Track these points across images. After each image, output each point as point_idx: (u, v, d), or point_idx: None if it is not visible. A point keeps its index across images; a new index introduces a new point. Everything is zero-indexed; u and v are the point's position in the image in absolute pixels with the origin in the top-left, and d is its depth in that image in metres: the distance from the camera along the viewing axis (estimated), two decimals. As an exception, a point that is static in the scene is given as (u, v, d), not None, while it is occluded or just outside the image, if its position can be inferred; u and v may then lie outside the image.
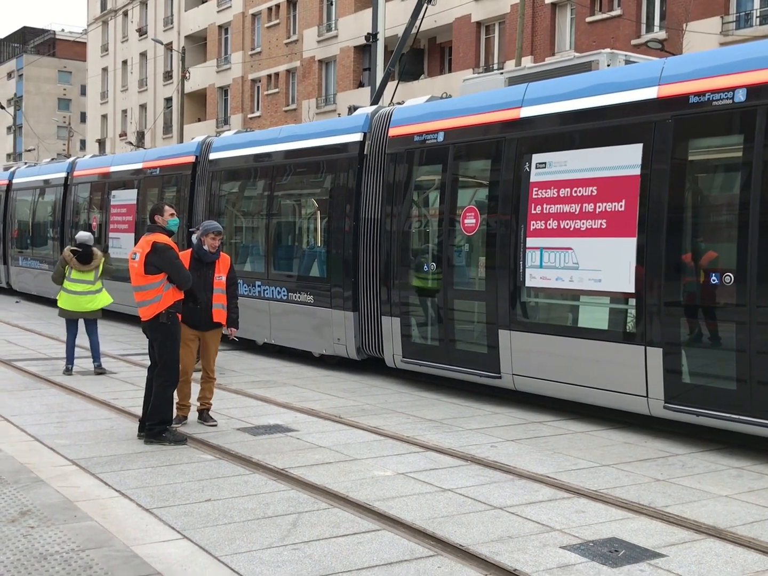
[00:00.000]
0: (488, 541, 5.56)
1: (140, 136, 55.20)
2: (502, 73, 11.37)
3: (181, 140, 42.79)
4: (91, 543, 5.35)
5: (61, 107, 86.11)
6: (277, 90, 43.62)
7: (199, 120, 50.22)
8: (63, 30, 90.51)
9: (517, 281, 9.75)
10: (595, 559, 5.27)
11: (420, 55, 36.09)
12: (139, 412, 8.51)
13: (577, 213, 9.10)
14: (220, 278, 8.95)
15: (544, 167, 9.48)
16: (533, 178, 9.58)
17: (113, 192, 19.18)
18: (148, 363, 8.57)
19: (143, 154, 20.37)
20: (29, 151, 74.73)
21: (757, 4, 24.27)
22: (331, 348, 12.70)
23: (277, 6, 43.53)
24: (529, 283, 9.67)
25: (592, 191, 8.97)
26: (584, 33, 28.35)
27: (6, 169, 27.63)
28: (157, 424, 8.13)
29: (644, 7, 27.16)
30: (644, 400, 8.52)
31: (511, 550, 5.41)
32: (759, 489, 6.84)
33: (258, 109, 45.25)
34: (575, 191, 9.13)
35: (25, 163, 27.94)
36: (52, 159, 27.54)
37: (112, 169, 19.66)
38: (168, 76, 53.52)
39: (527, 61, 28.59)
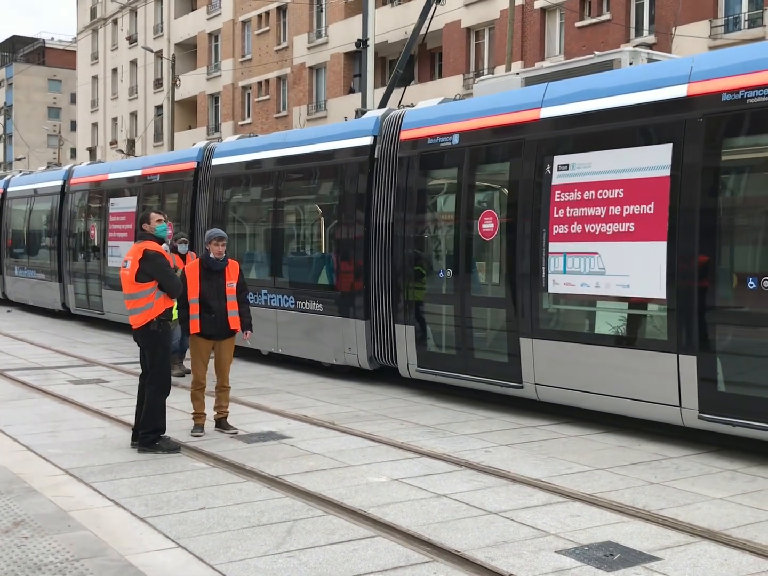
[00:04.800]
0: (484, 546, 5.56)
1: (131, 144, 55.12)
2: (518, 74, 11.03)
3: (171, 148, 42.72)
4: (85, 553, 5.33)
5: (51, 116, 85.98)
6: (267, 97, 43.62)
7: (190, 127, 50.16)
8: (52, 39, 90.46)
9: (539, 287, 9.39)
10: (590, 563, 5.26)
11: (410, 61, 36.12)
12: (132, 420, 8.49)
13: (603, 216, 8.77)
14: (232, 285, 8.94)
15: (567, 169, 9.15)
16: (555, 181, 9.24)
17: (112, 200, 18.84)
18: (140, 371, 8.55)
19: (143, 160, 19.97)
20: (19, 159, 74.58)
21: (745, 7, 24.40)
22: (341, 357, 12.35)
23: (267, 13, 43.56)
24: (552, 289, 9.30)
25: (618, 193, 8.64)
26: (574, 38, 28.44)
27: (0, 177, 27.31)
28: (151, 432, 8.10)
29: (633, 12, 27.27)
30: (677, 410, 8.19)
31: (506, 555, 5.41)
32: (753, 491, 6.85)
33: (249, 116, 45.24)
34: (601, 194, 8.80)
35: (20, 172, 27.52)
36: (48, 167, 27.19)
37: (111, 176, 19.31)
38: (158, 83, 53.47)
39: (517, 67, 28.66)
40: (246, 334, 9.17)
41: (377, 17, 25.41)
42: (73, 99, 76.26)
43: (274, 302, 13.54)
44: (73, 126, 76.27)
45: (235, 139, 16.05)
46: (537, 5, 29.61)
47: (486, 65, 32.18)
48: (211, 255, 8.89)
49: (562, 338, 9.33)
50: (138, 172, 18.25)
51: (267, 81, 43.70)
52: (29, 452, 8.01)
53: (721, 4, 24.78)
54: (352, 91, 37.56)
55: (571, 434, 8.93)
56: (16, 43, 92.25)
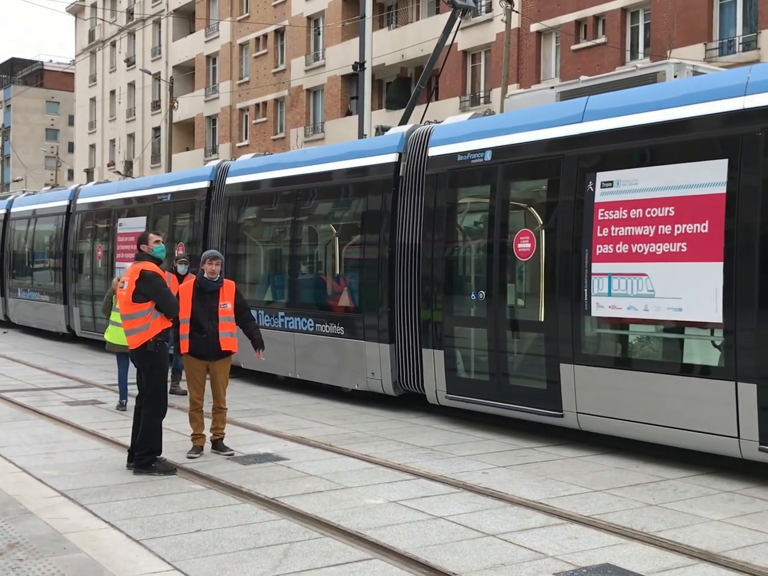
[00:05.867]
0: (481, 568, 5.52)
1: (128, 165, 55.22)
2: (552, 88, 10.66)
3: (169, 169, 42.80)
4: (80, 575, 5.29)
5: (49, 137, 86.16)
6: (265, 119, 43.79)
7: (188, 149, 50.29)
8: (51, 61, 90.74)
9: (581, 310, 8.91)
10: (588, 586, 5.24)
11: (407, 83, 36.35)
12: (128, 442, 8.45)
13: (651, 236, 8.33)
14: (225, 306, 8.87)
15: (611, 186, 8.73)
16: (598, 198, 8.83)
17: (120, 220, 18.36)
18: (136, 392, 8.52)
19: (153, 179, 19.50)
20: (17, 181, 74.68)
21: (739, 30, 24.59)
22: (364, 383, 11.89)
23: (265, 36, 43.80)
24: (595, 312, 8.82)
25: (668, 212, 8.22)
26: (569, 60, 28.62)
27: (3, 198, 26.97)
28: (146, 454, 8.07)
29: (628, 35, 27.47)
30: (735, 442, 7.75)
31: (504, 577, 5.38)
32: (751, 513, 6.83)
33: (246, 138, 45.38)
34: (649, 212, 8.37)
35: (24, 192, 27.11)
36: (53, 187, 26.87)
37: (120, 196, 18.85)
38: (156, 105, 53.64)
39: (513, 89, 28.82)
40: (258, 353, 9.15)
41: (374, 40, 25.58)
42: (71, 121, 76.48)
43: (291, 325, 13.07)
44: (71, 147, 76.44)
45: (250, 158, 15.57)
46: (533, 28, 29.81)
47: (482, 88, 32.36)
48: (205, 275, 8.90)
49: (608, 364, 8.86)
50: (148, 192, 17.83)
51: (264, 103, 43.87)
52: (24, 474, 7.96)
53: (715, 27, 24.99)
54: (349, 113, 37.74)
55: (568, 456, 8.91)
56: (14, 65, 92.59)
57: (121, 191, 19.14)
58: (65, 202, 21.20)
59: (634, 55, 27.10)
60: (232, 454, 8.79)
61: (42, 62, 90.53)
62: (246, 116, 45.73)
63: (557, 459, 8.77)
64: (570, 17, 28.67)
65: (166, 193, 17.11)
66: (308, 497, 7.20)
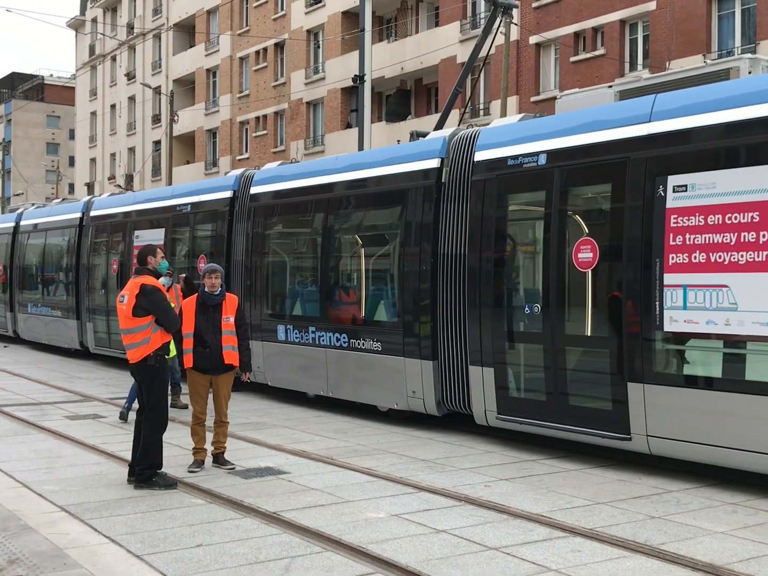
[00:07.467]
0: (484, 582, 5.50)
1: (129, 179, 55.30)
2: (610, 86, 10.07)
3: (169, 183, 42.84)
4: (80, 591, 5.27)
5: (50, 151, 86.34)
6: (265, 132, 43.88)
7: (188, 162, 50.36)
8: (51, 75, 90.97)
9: (652, 325, 8.32)
10: (592, 600, 5.21)
11: (407, 96, 36.44)
12: (129, 456, 8.43)
13: (733, 244, 7.74)
14: (228, 320, 8.86)
15: (685, 191, 8.13)
16: (670, 204, 8.22)
17: (137, 232, 17.85)
18: (137, 406, 8.51)
19: (171, 189, 18.97)
20: (17, 195, 74.84)
21: (738, 41, 24.66)
22: (404, 402, 11.29)
23: (265, 49, 43.93)
24: (668, 327, 8.21)
25: (752, 217, 7.63)
26: (568, 72, 28.69)
27: (12, 210, 26.54)
28: (147, 468, 8.05)
29: (627, 46, 27.54)
30: None
31: (507, 591, 5.35)
32: (754, 525, 6.80)
33: (246, 151, 45.46)
34: (730, 218, 7.79)
35: (33, 204, 26.74)
36: (63, 200, 26.61)
37: (136, 207, 18.40)
38: (156, 119, 53.75)
39: (513, 102, 28.92)
40: (245, 375, 9.15)
41: (373, 53, 25.67)
42: (72, 135, 76.67)
43: (323, 341, 12.48)
44: (72, 161, 76.61)
45: (276, 166, 14.93)
46: (532, 41, 29.88)
47: (482, 100, 32.42)
48: (206, 289, 8.90)
49: (683, 384, 8.25)
50: (166, 203, 17.23)
51: (264, 116, 43.96)
52: (24, 489, 7.94)
53: (714, 38, 25.06)
54: (348, 125, 37.81)
55: (570, 468, 8.87)
56: (15, 79, 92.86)
57: (138, 202, 18.61)
58: (78, 215, 20.72)
59: (633, 66, 27.17)
60: (233, 468, 8.77)
61: (42, 77, 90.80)
62: (246, 129, 45.83)
63: (560, 471, 8.74)
64: (569, 29, 28.74)
65: (186, 204, 16.57)
66: (310, 511, 7.17)
